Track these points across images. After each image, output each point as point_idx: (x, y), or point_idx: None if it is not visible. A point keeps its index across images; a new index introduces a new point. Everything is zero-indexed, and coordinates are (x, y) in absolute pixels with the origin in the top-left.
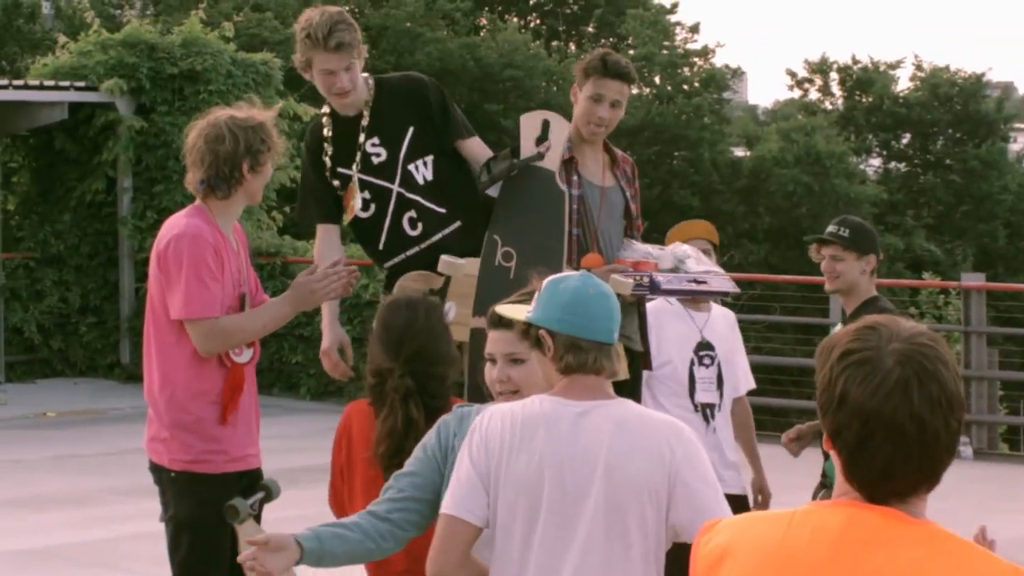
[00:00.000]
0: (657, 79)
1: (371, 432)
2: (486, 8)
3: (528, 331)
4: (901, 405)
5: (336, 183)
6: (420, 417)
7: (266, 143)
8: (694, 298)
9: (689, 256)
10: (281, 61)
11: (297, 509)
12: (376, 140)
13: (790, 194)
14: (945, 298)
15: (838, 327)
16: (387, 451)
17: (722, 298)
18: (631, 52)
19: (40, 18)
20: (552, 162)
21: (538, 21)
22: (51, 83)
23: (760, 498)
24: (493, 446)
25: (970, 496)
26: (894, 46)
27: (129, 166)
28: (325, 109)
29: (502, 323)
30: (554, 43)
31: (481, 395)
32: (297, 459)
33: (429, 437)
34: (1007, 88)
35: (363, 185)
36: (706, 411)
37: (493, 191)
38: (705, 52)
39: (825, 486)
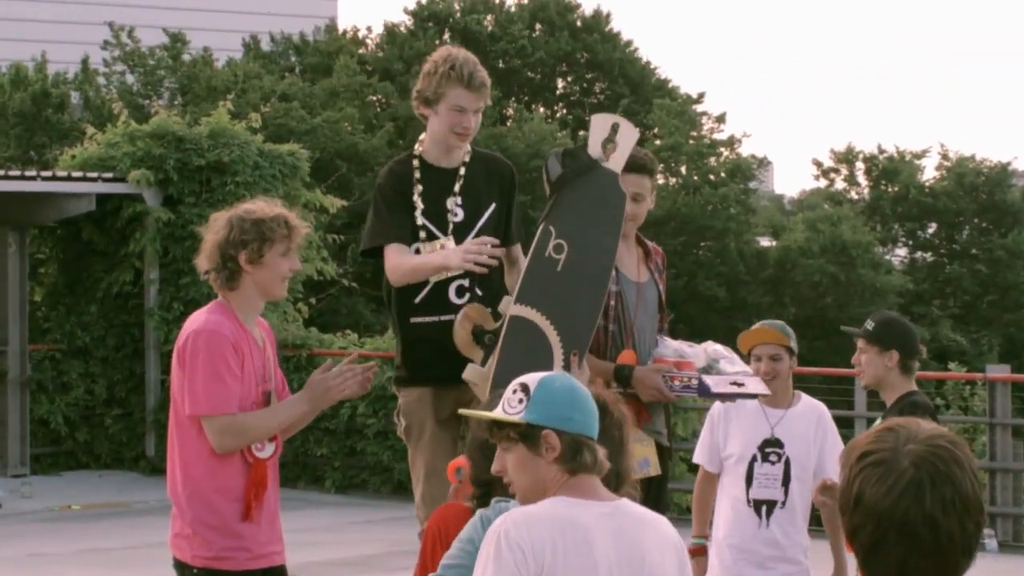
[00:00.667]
0: (684, 169)
1: None
2: (513, 98)
3: (524, 435)
4: (913, 506)
5: (421, 224)
6: None
7: (267, 237)
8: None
9: (723, 356)
10: (308, 152)
11: None
12: (460, 200)
13: (816, 284)
14: (971, 389)
15: (877, 422)
16: None
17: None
18: (657, 142)
19: (69, 108)
20: (616, 164)
21: (564, 111)
22: (79, 174)
23: None
24: (541, 555)
25: None
26: (920, 135)
27: (156, 258)
28: (416, 151)
29: None
30: (581, 133)
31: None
32: (323, 553)
33: (475, 530)
34: None
35: (431, 236)
36: (760, 507)
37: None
38: (731, 142)
39: None
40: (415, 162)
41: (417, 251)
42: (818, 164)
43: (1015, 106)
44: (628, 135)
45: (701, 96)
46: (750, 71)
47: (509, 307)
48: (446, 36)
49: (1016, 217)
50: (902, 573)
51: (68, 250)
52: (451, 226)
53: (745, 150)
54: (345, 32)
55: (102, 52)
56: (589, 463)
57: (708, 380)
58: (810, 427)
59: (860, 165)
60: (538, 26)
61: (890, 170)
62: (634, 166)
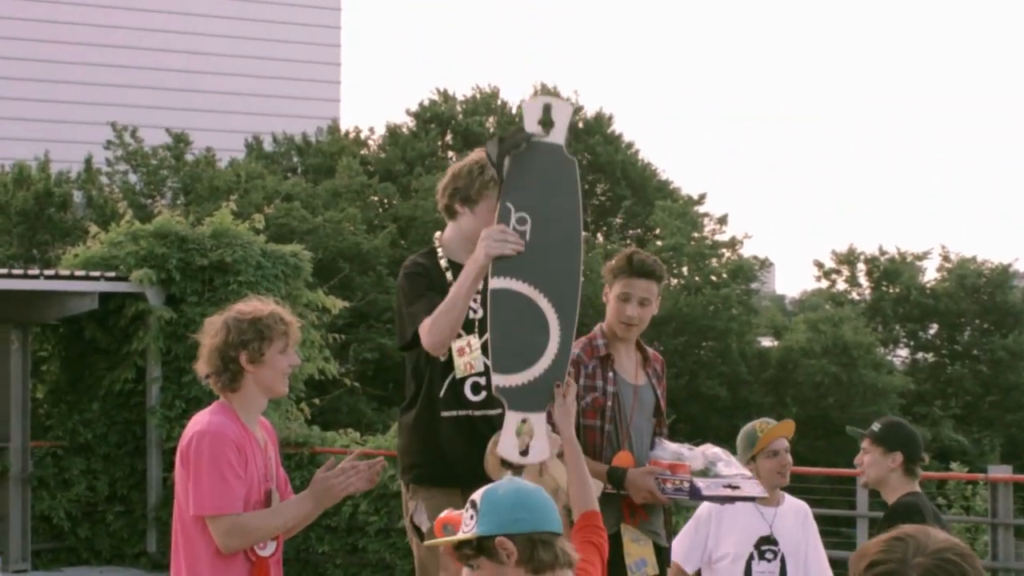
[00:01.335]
0: (685, 270)
1: None
2: None
3: (480, 548)
4: None
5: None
6: None
7: (266, 335)
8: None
9: (721, 459)
10: (310, 253)
11: None
12: (478, 300)
13: (818, 384)
14: (973, 489)
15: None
16: None
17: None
18: (659, 243)
19: (72, 207)
20: (557, 138)
21: None
22: (82, 273)
23: None
24: None
25: None
26: (921, 237)
27: (158, 356)
28: (436, 248)
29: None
30: (583, 233)
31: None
32: None
33: None
34: None
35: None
36: None
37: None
38: (733, 243)
39: None
40: (442, 262)
41: (450, 359)
42: (819, 265)
43: (1016, 208)
44: (562, 111)
45: (702, 197)
46: (752, 172)
47: (490, 283)
48: (448, 137)
49: (1017, 318)
50: None
51: (70, 348)
52: (475, 324)
53: (747, 251)
54: (347, 133)
55: (105, 152)
56: (549, 559)
57: (700, 483)
58: (798, 524)
59: (861, 266)
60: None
61: (891, 271)
62: (643, 271)
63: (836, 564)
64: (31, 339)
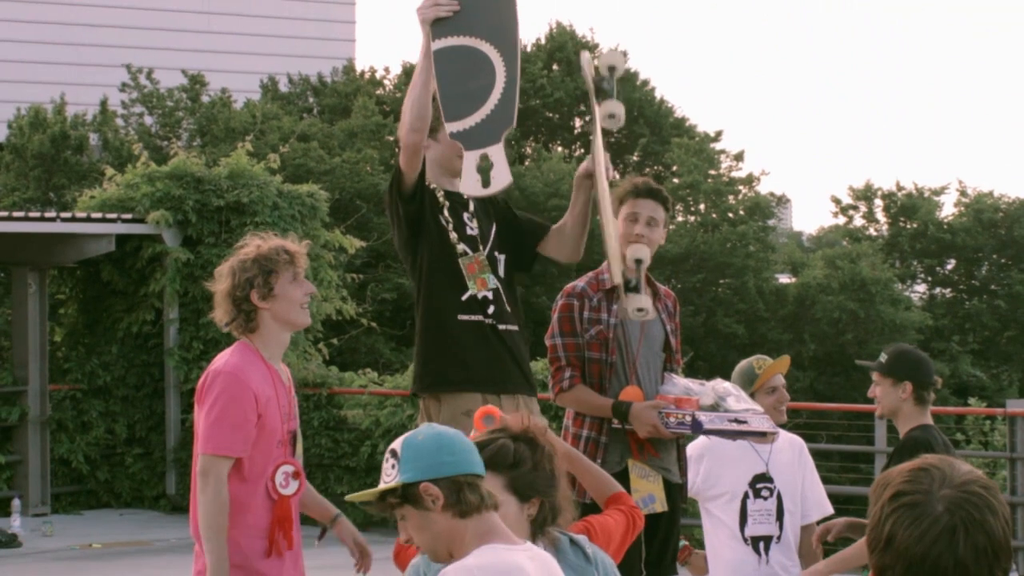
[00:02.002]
0: (702, 207)
1: None
2: (531, 138)
3: (404, 496)
4: (946, 552)
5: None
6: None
7: (271, 269)
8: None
9: (731, 393)
10: (327, 193)
11: None
12: (471, 213)
13: (835, 321)
14: (991, 424)
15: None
16: None
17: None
18: (676, 180)
19: (88, 150)
20: None
21: (582, 150)
22: (98, 215)
23: None
24: None
25: None
26: (938, 172)
27: (176, 298)
28: (431, 184)
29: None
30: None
31: None
32: None
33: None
34: None
35: (465, 252)
36: (758, 544)
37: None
38: (750, 180)
39: None
40: (433, 187)
41: (457, 266)
42: (836, 201)
43: None
44: None
45: (719, 134)
46: (768, 109)
47: (430, 45)
48: None
49: None
50: None
51: (88, 291)
52: (476, 240)
53: (763, 188)
54: (363, 73)
55: (120, 94)
56: (475, 501)
57: (702, 416)
58: (793, 459)
59: (879, 202)
60: (555, 66)
61: (908, 207)
62: (648, 191)
63: (855, 500)
64: (48, 282)
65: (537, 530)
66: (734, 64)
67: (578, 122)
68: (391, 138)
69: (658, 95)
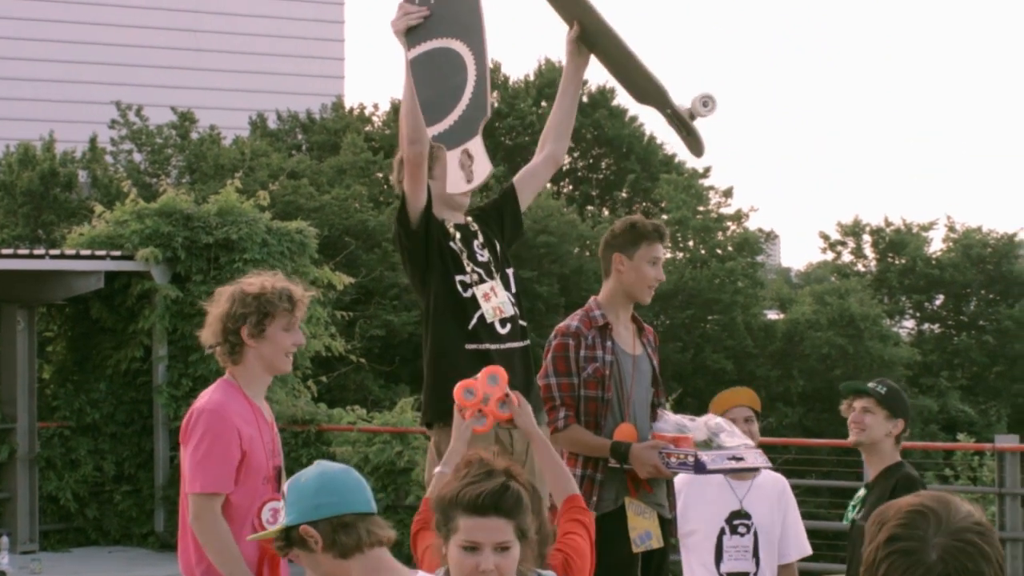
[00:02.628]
0: (691, 243)
1: None
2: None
3: (288, 539)
4: None
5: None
6: None
7: (268, 311)
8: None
9: (723, 429)
10: (316, 230)
11: None
12: (481, 241)
13: (824, 357)
14: (980, 459)
15: (861, 491)
16: None
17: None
18: (664, 216)
19: (77, 187)
20: None
21: (571, 187)
22: (87, 252)
23: None
24: None
25: None
26: (926, 208)
27: (164, 335)
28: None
29: (494, 509)
30: (588, 208)
31: None
32: None
33: None
34: None
35: (481, 279)
36: None
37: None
38: (738, 216)
39: None
40: (449, 227)
41: (472, 297)
42: (825, 237)
43: (1021, 177)
44: None
45: (707, 170)
46: (756, 145)
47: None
48: None
49: (1023, 288)
50: None
51: (77, 327)
52: (490, 265)
53: (752, 224)
54: (352, 110)
55: (110, 131)
56: (352, 542)
57: (704, 457)
58: (773, 499)
59: (867, 238)
60: (543, 103)
61: (897, 242)
62: (664, 235)
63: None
64: (37, 319)
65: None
66: (723, 101)
67: (566, 159)
68: (380, 175)
69: (647, 131)
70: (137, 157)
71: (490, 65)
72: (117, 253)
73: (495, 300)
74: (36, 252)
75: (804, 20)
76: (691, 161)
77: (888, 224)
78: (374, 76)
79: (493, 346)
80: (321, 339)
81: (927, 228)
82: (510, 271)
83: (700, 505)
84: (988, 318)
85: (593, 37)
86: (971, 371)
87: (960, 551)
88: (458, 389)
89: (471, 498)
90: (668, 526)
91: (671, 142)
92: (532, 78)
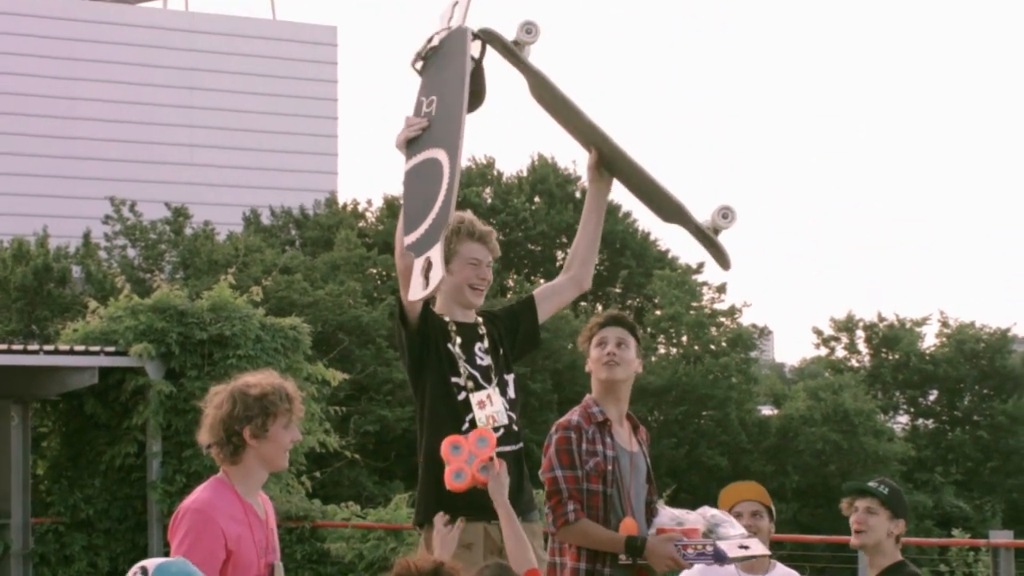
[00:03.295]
0: (684, 339)
1: None
2: (513, 269)
3: None
4: None
5: (469, 374)
6: None
7: (270, 411)
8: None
9: (723, 520)
10: (309, 326)
11: None
12: (484, 346)
13: (819, 452)
14: (975, 555)
15: None
16: None
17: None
18: (658, 312)
19: (70, 282)
20: (457, 22)
21: None
22: (81, 348)
23: None
24: None
25: None
26: (919, 303)
27: (159, 430)
28: (443, 315)
29: None
30: (581, 304)
31: None
32: None
33: None
34: None
35: (478, 386)
36: None
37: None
38: (732, 312)
39: None
40: (449, 323)
41: (467, 400)
42: (818, 333)
43: (1013, 272)
44: (464, 2)
45: (701, 266)
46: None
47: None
48: None
49: (1017, 382)
50: None
51: (71, 423)
52: (490, 371)
53: (745, 319)
54: (345, 205)
55: (104, 226)
56: None
57: (723, 546)
58: None
59: (860, 333)
60: (537, 198)
61: (890, 338)
62: (613, 320)
63: None
64: (31, 415)
65: None
66: (717, 198)
67: (559, 254)
68: (374, 270)
69: (640, 227)
70: (131, 252)
71: (461, 171)
72: (111, 349)
73: (490, 408)
74: (30, 348)
75: (794, 115)
76: (684, 257)
77: (881, 319)
78: (367, 172)
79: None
80: (315, 435)
81: (920, 323)
82: (510, 376)
83: None
84: (982, 413)
85: (611, 161)
86: (965, 466)
87: None
88: (445, 444)
89: None
90: None
91: (665, 238)
92: (525, 174)
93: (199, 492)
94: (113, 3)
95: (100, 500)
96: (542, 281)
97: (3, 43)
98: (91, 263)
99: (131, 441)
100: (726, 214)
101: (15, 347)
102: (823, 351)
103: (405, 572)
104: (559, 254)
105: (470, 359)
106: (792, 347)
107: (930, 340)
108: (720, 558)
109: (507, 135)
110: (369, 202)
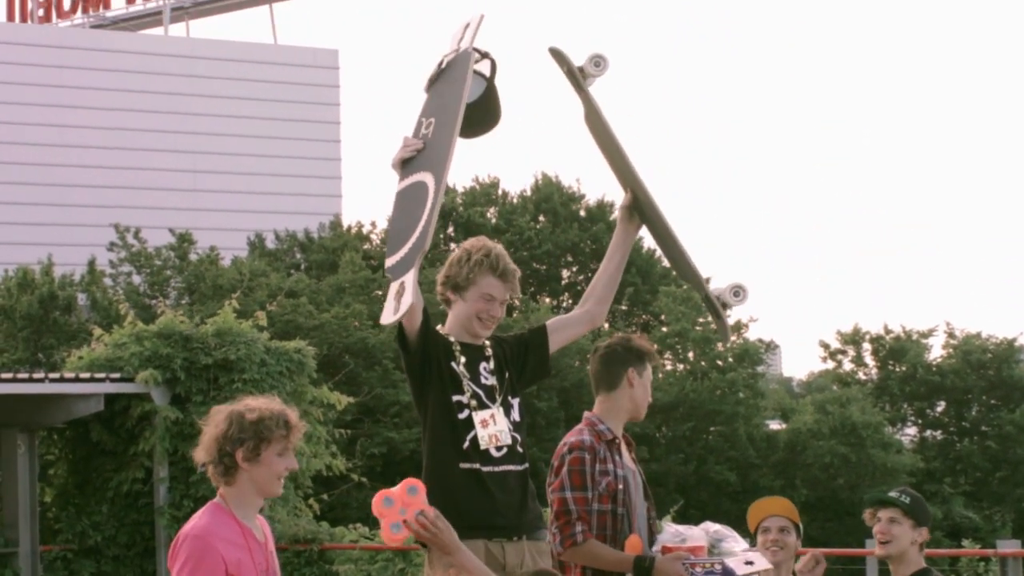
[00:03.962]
0: (691, 355)
1: None
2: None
3: None
4: None
5: (472, 392)
6: None
7: (264, 436)
8: None
9: (727, 535)
10: (314, 349)
11: None
12: (490, 367)
13: (827, 466)
14: (985, 565)
15: None
16: None
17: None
18: (664, 329)
19: (76, 310)
20: (465, 44)
21: (570, 301)
22: (87, 375)
23: None
24: None
25: None
26: (926, 315)
27: (165, 456)
28: (447, 334)
29: None
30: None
31: None
32: None
33: None
34: None
35: (482, 405)
36: None
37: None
38: (738, 327)
39: None
40: (453, 342)
41: (469, 418)
42: (825, 346)
43: (1019, 282)
44: (473, 24)
45: (706, 281)
46: (755, 256)
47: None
48: (449, 230)
49: None
50: None
51: (77, 450)
52: (494, 391)
53: (752, 334)
54: (349, 228)
55: (108, 253)
56: None
57: (731, 563)
58: None
59: (867, 346)
60: (542, 218)
61: (897, 350)
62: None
63: None
64: (38, 443)
65: None
66: (721, 212)
67: (565, 273)
68: (379, 292)
69: (646, 245)
70: (136, 279)
71: (443, 197)
72: (117, 375)
73: (492, 427)
74: (36, 376)
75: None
76: None
77: (888, 332)
78: (372, 194)
79: (485, 468)
80: (322, 458)
81: (927, 335)
82: (516, 400)
83: None
84: (990, 423)
85: (643, 208)
86: (974, 477)
87: None
88: (377, 499)
89: None
90: None
91: None
92: (529, 193)
93: (197, 518)
94: (115, 31)
95: (108, 527)
96: (547, 300)
97: (5, 72)
98: (96, 290)
99: (138, 467)
100: (738, 292)
101: (21, 375)
102: (830, 364)
103: None
104: (564, 273)
105: (474, 378)
106: (799, 361)
107: (937, 351)
108: (728, 575)
109: (511, 154)
110: (374, 224)
